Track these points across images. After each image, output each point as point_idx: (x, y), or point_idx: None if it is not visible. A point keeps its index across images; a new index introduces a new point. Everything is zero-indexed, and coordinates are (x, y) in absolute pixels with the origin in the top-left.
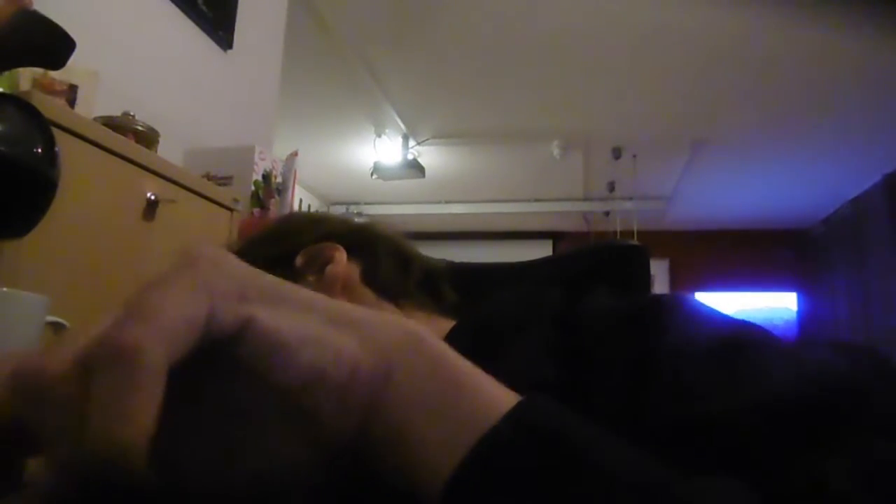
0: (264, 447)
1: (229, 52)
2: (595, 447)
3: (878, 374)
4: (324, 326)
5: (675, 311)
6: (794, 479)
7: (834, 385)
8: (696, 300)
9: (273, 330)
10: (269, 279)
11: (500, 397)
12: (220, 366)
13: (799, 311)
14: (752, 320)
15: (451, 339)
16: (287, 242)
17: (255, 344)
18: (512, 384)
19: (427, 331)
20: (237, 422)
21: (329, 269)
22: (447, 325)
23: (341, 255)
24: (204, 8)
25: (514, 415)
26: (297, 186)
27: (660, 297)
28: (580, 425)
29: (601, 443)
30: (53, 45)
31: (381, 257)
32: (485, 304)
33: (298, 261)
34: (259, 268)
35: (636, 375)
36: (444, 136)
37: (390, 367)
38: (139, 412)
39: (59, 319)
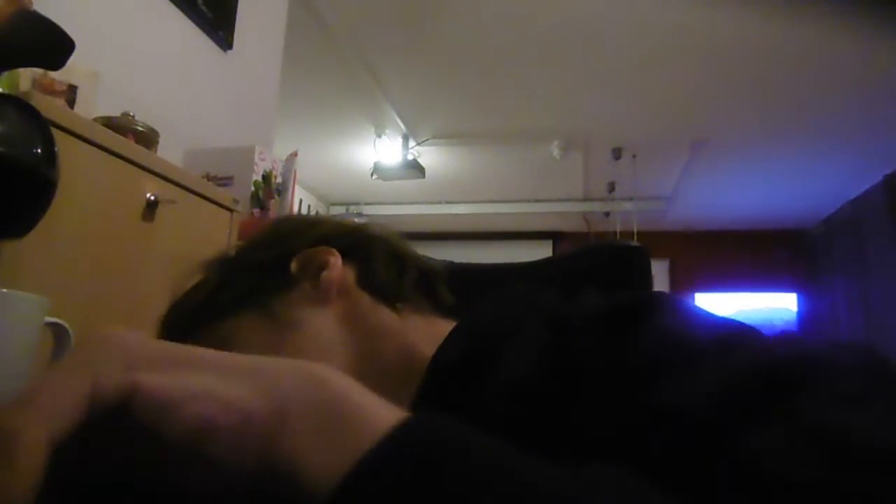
0: (192, 473)
1: (229, 52)
2: (473, 461)
3: (876, 375)
4: (215, 380)
5: (659, 309)
6: (738, 459)
7: (791, 362)
8: (680, 299)
9: (157, 390)
10: (161, 346)
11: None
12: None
13: (799, 312)
14: (738, 319)
15: (449, 342)
16: (281, 247)
17: (142, 406)
18: (509, 387)
19: (332, 372)
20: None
21: (324, 274)
22: (446, 326)
23: (336, 260)
24: (204, 8)
25: (388, 437)
26: (296, 187)
27: (644, 296)
28: (460, 440)
29: (480, 456)
30: (53, 45)
31: (377, 259)
32: (482, 305)
33: (293, 266)
34: (255, 273)
35: (619, 374)
36: (444, 136)
37: (284, 410)
38: (9, 491)
39: (59, 320)
